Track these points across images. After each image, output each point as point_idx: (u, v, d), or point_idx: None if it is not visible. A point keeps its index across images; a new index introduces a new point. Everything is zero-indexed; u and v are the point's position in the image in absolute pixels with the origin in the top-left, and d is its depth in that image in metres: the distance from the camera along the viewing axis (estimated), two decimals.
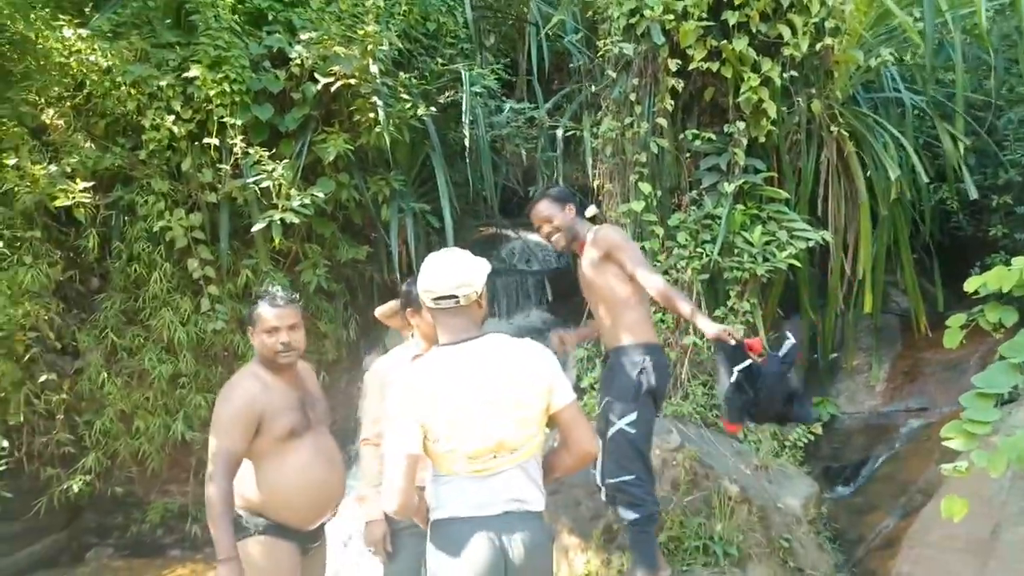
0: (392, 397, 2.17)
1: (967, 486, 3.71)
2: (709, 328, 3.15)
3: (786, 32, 4.47)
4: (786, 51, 4.53)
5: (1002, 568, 3.68)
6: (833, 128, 4.88)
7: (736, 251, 4.75)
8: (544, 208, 3.37)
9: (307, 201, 5.05)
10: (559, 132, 6.02)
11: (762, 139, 4.73)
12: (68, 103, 5.15)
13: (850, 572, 4.23)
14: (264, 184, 5.01)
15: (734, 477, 4.19)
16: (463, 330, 2.21)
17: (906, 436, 5.33)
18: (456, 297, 2.17)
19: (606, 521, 4.09)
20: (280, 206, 5.01)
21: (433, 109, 5.71)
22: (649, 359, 3.26)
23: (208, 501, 2.64)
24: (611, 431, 3.24)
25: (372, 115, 5.22)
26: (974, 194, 5.35)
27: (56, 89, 5.10)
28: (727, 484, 4.13)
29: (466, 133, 5.90)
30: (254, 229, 5.14)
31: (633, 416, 3.20)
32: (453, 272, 2.19)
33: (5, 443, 4.77)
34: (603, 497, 3.38)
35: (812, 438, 5.05)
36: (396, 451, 2.10)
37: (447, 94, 6.47)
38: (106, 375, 5.12)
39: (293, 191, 5.05)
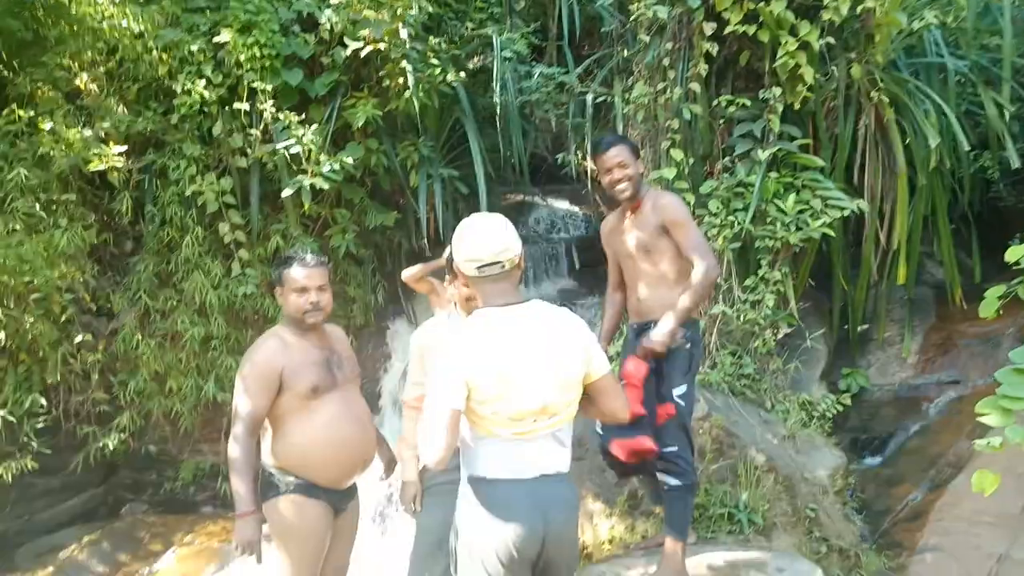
0: (439, 355, 2.17)
1: (999, 461, 3.66)
2: (667, 328, 3.02)
3: None
4: (825, 15, 4.39)
5: None
6: (873, 94, 4.75)
7: (768, 220, 4.68)
8: (620, 153, 3.16)
9: (336, 167, 5.06)
10: (589, 98, 5.93)
11: (798, 105, 4.62)
12: (101, 68, 5.19)
13: (876, 543, 4.22)
14: (294, 149, 5.03)
15: (761, 446, 4.18)
16: (507, 294, 2.19)
17: (937, 409, 5.27)
18: (500, 263, 2.15)
19: (631, 487, 4.11)
20: (310, 171, 5.03)
21: (463, 74, 5.65)
22: (696, 334, 3.25)
23: (229, 457, 2.69)
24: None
25: (401, 80, 5.19)
26: (1017, 163, 5.19)
27: (89, 54, 5.14)
28: (754, 453, 4.12)
29: (496, 98, 5.85)
30: (284, 194, 5.17)
31: (683, 389, 3.16)
32: (496, 238, 2.17)
33: (43, 401, 4.89)
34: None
35: (840, 409, 5.02)
36: (440, 406, 2.10)
37: (476, 59, 6.40)
38: (140, 336, 5.22)
39: (323, 156, 5.06)
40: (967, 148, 5.20)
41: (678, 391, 3.14)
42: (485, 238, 2.17)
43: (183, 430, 5.46)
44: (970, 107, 5.89)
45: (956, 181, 5.78)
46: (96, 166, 4.83)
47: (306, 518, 2.78)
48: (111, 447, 5.13)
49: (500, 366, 2.10)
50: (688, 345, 3.17)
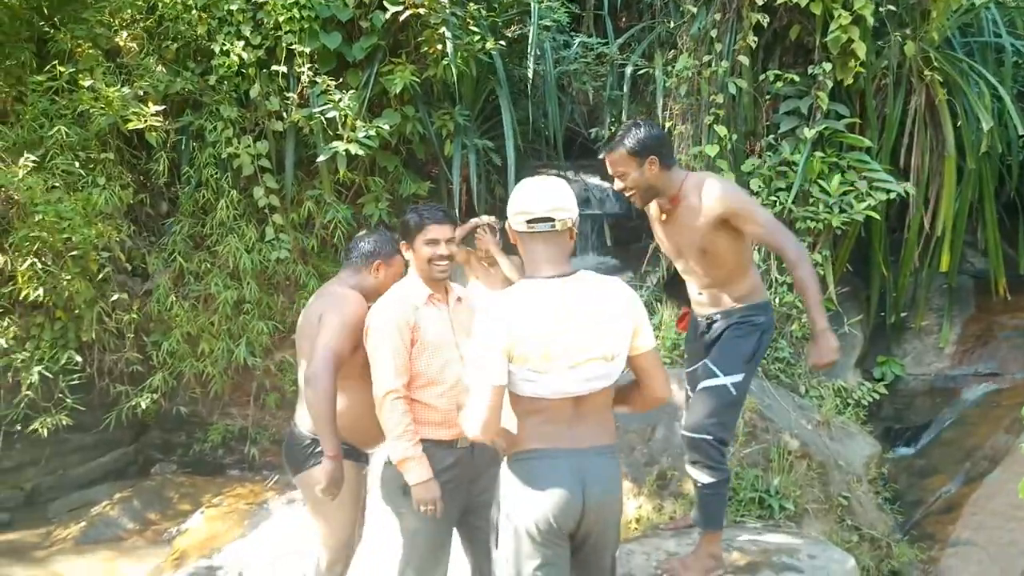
0: (482, 329, 2.11)
1: None
2: (828, 342, 2.74)
3: None
4: None
5: None
6: (926, 73, 4.60)
7: (811, 201, 4.59)
8: (619, 161, 2.83)
9: (372, 133, 5.02)
10: (628, 70, 5.82)
11: (848, 82, 4.50)
12: (140, 26, 5.17)
13: (908, 534, 4.16)
14: (330, 114, 4.98)
15: (795, 432, 4.12)
16: (557, 261, 2.12)
17: (974, 401, 5.17)
18: (552, 220, 2.08)
19: (660, 468, 4.07)
20: (345, 137, 4.99)
21: (502, 43, 5.56)
22: (768, 320, 3.02)
23: (314, 400, 2.67)
24: (711, 383, 2.94)
25: (440, 47, 5.11)
26: None
27: (129, 11, 5.12)
28: (787, 438, 4.06)
29: (531, 68, 5.75)
30: (319, 159, 5.14)
31: (739, 377, 2.91)
32: (550, 194, 2.10)
33: (78, 358, 4.95)
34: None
35: (876, 397, 4.93)
36: (483, 382, 2.07)
37: (514, 28, 6.29)
38: (173, 298, 5.23)
39: (359, 122, 5.01)
40: (1020, 133, 5.04)
41: (733, 379, 2.90)
42: (539, 193, 2.11)
43: (213, 393, 5.50)
44: (1022, 90, 5.71)
45: (1004, 167, 5.62)
46: (134, 125, 4.83)
47: (351, 481, 2.81)
48: (143, 407, 5.18)
49: (544, 338, 2.05)
50: (759, 335, 2.95)
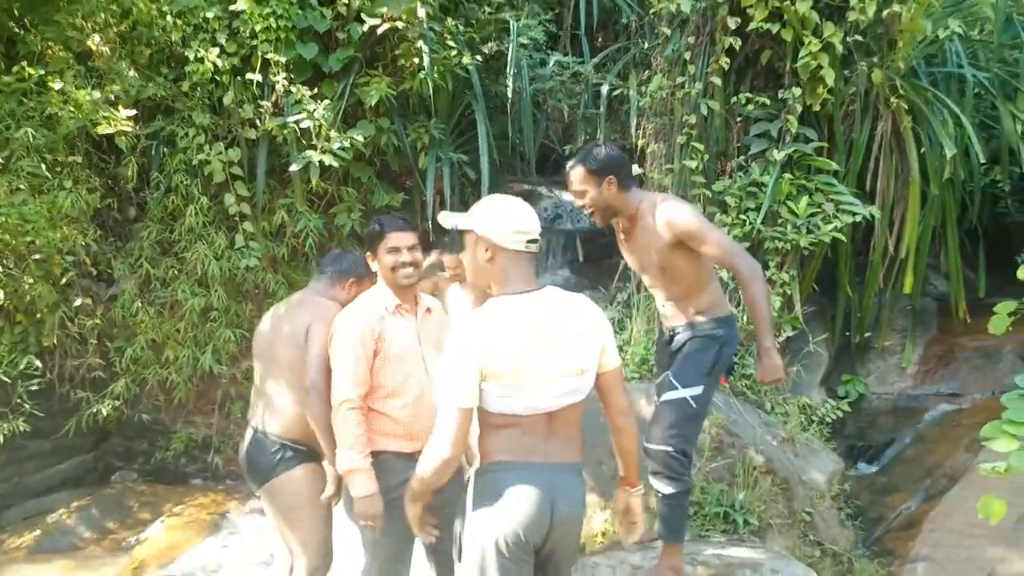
0: (456, 346, 2.09)
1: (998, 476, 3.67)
2: (772, 360, 2.82)
3: None
4: (851, 16, 4.37)
5: (1023, 556, 3.66)
6: (892, 100, 4.72)
7: (780, 221, 4.67)
8: (578, 179, 2.92)
9: (347, 144, 5.01)
10: (604, 89, 5.89)
11: (817, 107, 4.60)
12: (114, 30, 5.11)
13: (869, 550, 4.22)
14: (304, 124, 4.97)
15: (760, 447, 4.17)
16: (527, 278, 2.14)
17: (934, 420, 5.28)
18: (538, 241, 2.14)
19: None
20: (319, 147, 4.98)
21: (478, 58, 5.60)
22: (728, 334, 3.06)
23: (323, 410, 2.66)
24: (671, 396, 3.00)
25: (417, 60, 5.13)
26: None
27: (103, 15, 5.06)
28: (752, 454, 4.11)
29: (510, 84, 5.79)
30: (292, 168, 5.12)
31: (699, 390, 2.96)
32: (534, 214, 2.15)
33: (38, 363, 4.84)
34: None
35: (840, 415, 5.01)
36: (450, 404, 2.05)
37: (491, 44, 6.34)
38: (139, 304, 5.15)
39: (333, 133, 5.01)
40: (981, 161, 5.19)
41: (692, 391, 2.95)
42: (529, 214, 2.14)
43: (177, 401, 5.41)
44: (984, 120, 5.88)
45: (966, 194, 5.77)
46: (104, 129, 4.77)
47: (320, 483, 2.84)
48: (104, 414, 5.07)
49: (516, 353, 2.05)
50: (718, 348, 3.00)
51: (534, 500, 2.07)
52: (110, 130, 4.78)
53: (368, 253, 2.79)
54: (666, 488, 2.98)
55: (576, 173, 2.93)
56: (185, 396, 5.41)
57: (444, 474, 2.10)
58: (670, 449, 2.94)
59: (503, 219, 2.12)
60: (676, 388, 2.98)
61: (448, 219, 2.19)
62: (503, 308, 2.10)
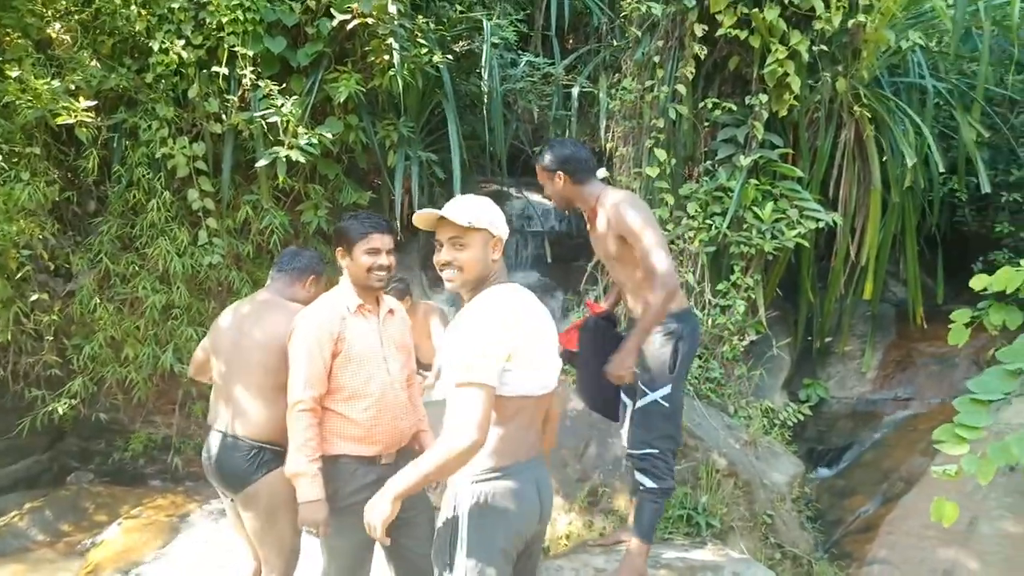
0: (482, 332, 2.03)
1: (949, 481, 3.76)
2: (626, 359, 2.95)
3: (819, 5, 4.37)
4: (817, 25, 4.43)
5: (976, 558, 3.75)
6: (855, 109, 4.80)
7: (745, 226, 4.72)
8: (538, 173, 3.26)
9: (315, 140, 4.94)
10: (575, 91, 5.91)
11: (783, 114, 4.66)
12: (75, 18, 4.98)
13: (828, 553, 4.29)
14: (272, 119, 4.90)
15: (723, 450, 4.21)
16: (504, 272, 2.24)
17: (892, 424, 5.38)
18: None
19: (591, 484, 4.11)
20: (287, 143, 4.91)
21: (449, 57, 5.57)
22: (683, 327, 3.14)
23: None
24: (643, 402, 3.13)
25: (387, 57, 5.08)
26: (987, 187, 5.31)
27: (63, 2, 4.93)
28: (715, 457, 4.15)
29: (483, 85, 5.77)
30: (258, 164, 5.04)
31: (668, 389, 3.09)
32: None
33: None
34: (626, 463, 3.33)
35: (801, 419, 5.09)
36: (477, 385, 1.98)
37: (462, 43, 6.31)
38: (98, 300, 5.03)
39: (301, 129, 4.94)
40: (940, 170, 5.31)
41: (662, 392, 3.08)
42: None
43: (136, 400, 5.30)
44: (943, 130, 6.01)
45: (926, 202, 5.89)
46: (64, 120, 4.64)
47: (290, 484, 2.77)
48: (60, 412, 4.94)
49: (532, 333, 2.11)
50: (674, 343, 3.10)
51: (533, 500, 2.12)
52: (70, 121, 4.65)
53: (340, 249, 2.73)
54: (648, 482, 3.12)
55: (537, 167, 3.25)
56: (145, 395, 5.30)
57: (467, 462, 1.99)
58: (655, 451, 3.11)
59: (501, 217, 2.19)
60: (647, 393, 3.11)
61: (463, 216, 2.11)
62: (512, 293, 2.16)
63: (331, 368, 2.59)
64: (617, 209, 3.06)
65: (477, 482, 2.08)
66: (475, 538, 2.05)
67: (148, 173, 5.07)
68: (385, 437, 2.64)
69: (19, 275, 4.78)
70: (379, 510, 2.02)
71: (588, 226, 3.36)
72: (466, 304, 2.16)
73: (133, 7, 4.85)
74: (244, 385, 2.84)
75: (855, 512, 4.58)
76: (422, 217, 2.16)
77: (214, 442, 2.87)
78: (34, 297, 4.88)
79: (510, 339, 2.02)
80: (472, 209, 2.13)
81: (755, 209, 4.70)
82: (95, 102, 4.81)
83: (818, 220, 4.69)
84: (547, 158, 3.18)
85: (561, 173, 3.15)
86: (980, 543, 3.79)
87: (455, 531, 2.07)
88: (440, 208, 2.15)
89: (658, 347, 3.11)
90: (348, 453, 2.59)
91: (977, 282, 2.77)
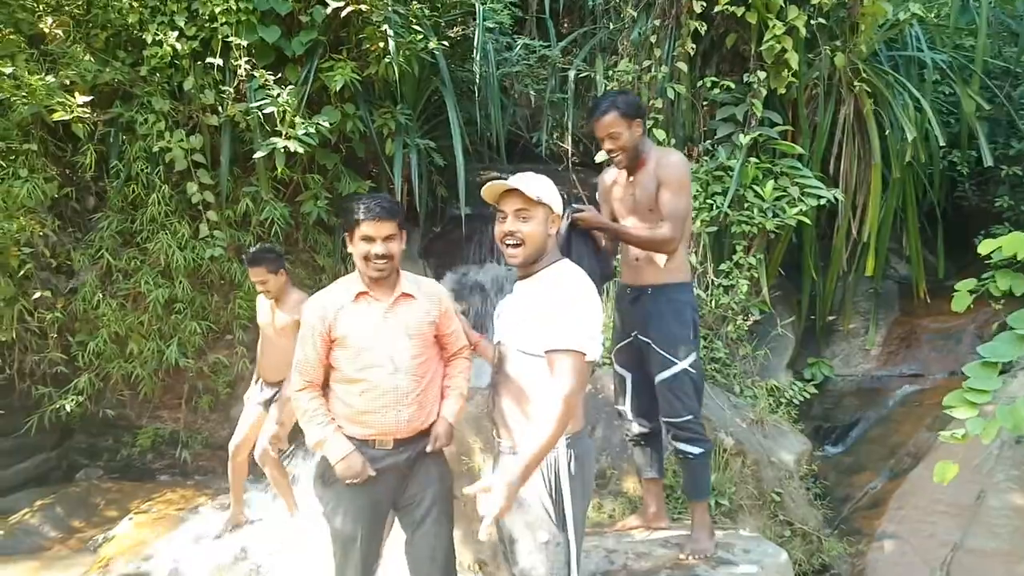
0: (586, 309, 2.20)
1: (956, 453, 3.76)
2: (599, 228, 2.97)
3: None
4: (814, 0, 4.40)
5: (984, 531, 3.76)
6: (855, 84, 4.77)
7: (746, 205, 4.70)
8: (610, 122, 3.03)
9: (312, 130, 4.91)
10: (571, 74, 5.87)
11: (781, 91, 4.64)
12: (67, 12, 4.94)
13: (837, 529, 4.30)
14: (268, 109, 4.87)
15: (730, 430, 4.22)
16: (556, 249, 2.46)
17: (898, 400, 5.38)
18: None
19: (599, 467, 4.11)
20: (284, 133, 4.88)
21: (445, 43, 5.53)
22: (690, 296, 3.29)
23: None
24: (673, 370, 3.16)
25: (382, 44, 5.05)
26: (989, 160, 5.29)
27: None
28: (723, 436, 4.15)
29: (477, 69, 5.73)
30: (256, 156, 5.02)
31: (694, 356, 3.19)
32: None
33: None
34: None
35: (806, 397, 5.09)
36: (583, 357, 2.16)
37: (457, 29, 6.27)
38: (100, 296, 5.03)
39: (297, 119, 4.91)
40: (940, 144, 5.28)
41: (688, 360, 3.16)
42: None
43: (142, 395, 5.31)
44: (943, 103, 5.98)
45: (926, 177, 5.87)
46: (60, 116, 4.62)
47: None
48: (67, 410, 4.95)
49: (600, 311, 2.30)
50: (692, 311, 3.21)
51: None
52: (65, 117, 4.63)
53: (347, 234, 2.66)
54: (694, 449, 3.21)
55: (610, 117, 3.04)
56: (150, 390, 5.31)
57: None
58: (692, 417, 3.19)
59: (560, 197, 2.33)
60: (674, 363, 3.16)
61: (533, 189, 2.25)
62: (580, 269, 2.31)
63: (330, 351, 2.59)
64: (670, 159, 3.11)
65: (570, 444, 2.24)
66: (578, 492, 2.24)
67: (146, 167, 5.06)
68: (378, 424, 2.57)
69: (21, 273, 4.78)
70: (498, 504, 1.99)
71: (630, 179, 3.22)
72: (531, 277, 2.31)
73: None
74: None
75: (863, 488, 4.58)
76: (491, 188, 2.26)
77: None
78: (37, 295, 4.87)
79: (599, 311, 2.23)
80: (540, 184, 2.28)
81: (756, 188, 4.68)
82: (90, 97, 4.79)
83: (819, 197, 4.67)
84: (624, 105, 3.04)
85: (640, 121, 3.09)
86: (988, 516, 3.80)
87: (559, 491, 2.22)
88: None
89: (676, 317, 3.17)
90: (344, 431, 2.59)
91: (985, 247, 2.75)
